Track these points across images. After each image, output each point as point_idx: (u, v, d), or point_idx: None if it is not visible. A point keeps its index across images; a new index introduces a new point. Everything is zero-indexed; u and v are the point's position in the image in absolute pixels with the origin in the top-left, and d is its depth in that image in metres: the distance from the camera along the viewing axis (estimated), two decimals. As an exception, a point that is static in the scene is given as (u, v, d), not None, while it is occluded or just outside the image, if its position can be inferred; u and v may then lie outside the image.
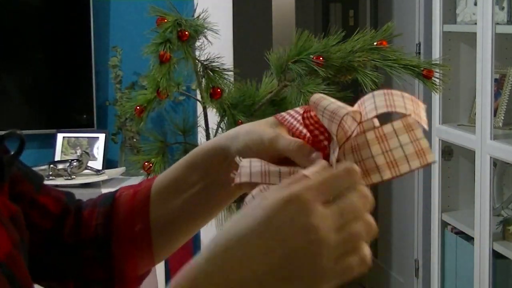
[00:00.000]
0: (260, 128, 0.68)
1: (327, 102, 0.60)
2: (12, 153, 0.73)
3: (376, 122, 0.60)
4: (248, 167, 0.64)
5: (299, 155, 0.64)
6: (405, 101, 0.60)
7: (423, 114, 0.61)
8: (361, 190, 0.57)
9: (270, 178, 0.63)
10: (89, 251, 0.81)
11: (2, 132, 0.73)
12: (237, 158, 0.65)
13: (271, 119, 0.70)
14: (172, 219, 0.79)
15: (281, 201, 0.55)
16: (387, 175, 0.58)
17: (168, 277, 2.83)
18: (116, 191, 0.85)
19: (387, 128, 0.59)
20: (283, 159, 0.65)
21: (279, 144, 0.65)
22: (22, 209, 0.74)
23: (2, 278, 0.64)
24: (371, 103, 0.60)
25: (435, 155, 0.64)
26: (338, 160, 0.59)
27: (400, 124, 0.59)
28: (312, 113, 0.63)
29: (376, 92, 0.61)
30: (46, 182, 0.85)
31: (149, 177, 1.73)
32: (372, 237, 0.57)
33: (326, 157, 0.62)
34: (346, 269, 0.55)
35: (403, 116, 0.59)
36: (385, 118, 0.62)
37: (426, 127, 0.60)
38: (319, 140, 0.62)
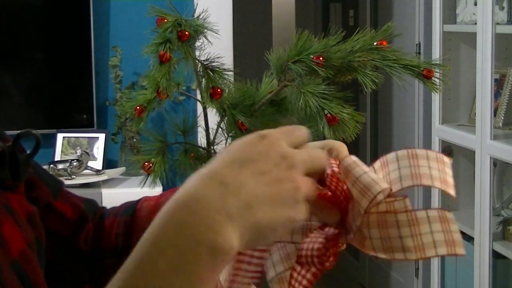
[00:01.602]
0: None
1: (360, 172, 0.60)
2: (28, 152, 0.73)
3: (408, 202, 0.60)
4: None
5: (316, 207, 0.63)
6: (430, 164, 0.60)
7: (449, 176, 0.61)
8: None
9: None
10: (109, 259, 0.81)
11: (8, 132, 0.73)
12: None
13: None
14: None
15: (253, 137, 0.58)
16: (412, 256, 0.58)
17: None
18: (139, 200, 0.85)
19: (421, 214, 0.59)
20: None
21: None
22: (39, 213, 0.74)
23: (13, 277, 0.64)
24: (395, 170, 0.60)
25: (465, 250, 0.64)
26: (359, 228, 0.60)
27: (435, 214, 0.59)
28: (336, 171, 0.62)
29: (399, 153, 0.61)
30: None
31: (149, 177, 1.73)
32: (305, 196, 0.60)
33: (343, 219, 0.62)
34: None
35: (440, 208, 0.60)
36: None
37: (453, 193, 0.60)
38: (340, 201, 0.62)
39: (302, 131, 0.60)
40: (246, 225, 0.54)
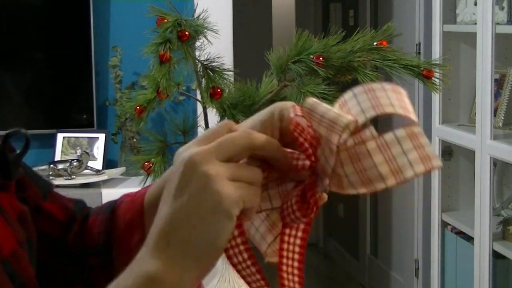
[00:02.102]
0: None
1: (323, 109, 0.59)
2: (18, 151, 0.73)
3: (373, 130, 0.59)
4: None
5: (285, 168, 0.62)
6: (388, 95, 0.59)
7: (408, 104, 0.60)
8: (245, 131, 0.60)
9: (261, 205, 0.64)
10: (93, 258, 0.82)
11: (4, 132, 0.73)
12: None
13: (246, 123, 0.67)
14: None
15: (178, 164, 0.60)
16: (391, 182, 0.57)
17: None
18: (119, 198, 0.85)
19: (389, 136, 0.58)
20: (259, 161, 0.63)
21: (254, 139, 0.61)
22: None
23: (3, 276, 0.64)
24: (355, 105, 0.59)
25: (440, 161, 0.63)
26: (334, 170, 0.59)
27: (403, 133, 0.58)
28: (300, 120, 0.61)
29: (356, 90, 0.60)
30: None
31: (150, 177, 1.73)
32: (257, 178, 0.60)
33: (312, 166, 0.61)
34: (241, 196, 0.58)
35: (405, 125, 0.58)
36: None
37: (415, 118, 0.59)
38: (305, 148, 0.61)
39: (232, 140, 0.59)
40: (170, 251, 0.57)
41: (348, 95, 0.60)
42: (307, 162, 0.61)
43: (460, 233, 2.92)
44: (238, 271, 0.61)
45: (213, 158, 0.58)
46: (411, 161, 0.57)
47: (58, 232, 0.82)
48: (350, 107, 0.59)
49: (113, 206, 0.84)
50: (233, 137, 0.59)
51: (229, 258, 0.60)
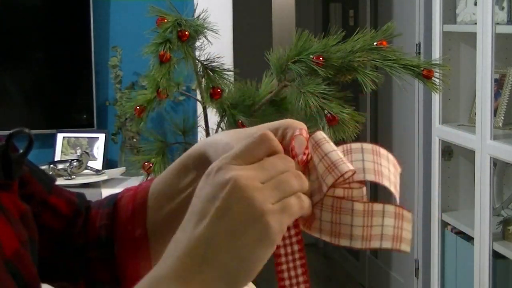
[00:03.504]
0: (236, 143, 0.66)
1: (329, 148, 0.59)
2: (21, 151, 0.73)
3: (365, 191, 0.60)
4: None
5: None
6: (390, 168, 0.60)
7: (398, 182, 0.61)
8: (282, 156, 0.59)
9: None
10: (94, 251, 0.82)
11: (7, 132, 0.73)
12: None
13: (253, 130, 0.68)
14: (167, 223, 0.79)
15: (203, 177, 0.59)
16: (357, 244, 0.58)
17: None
18: (120, 192, 0.86)
19: (378, 206, 0.59)
20: None
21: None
22: (33, 210, 0.75)
23: (8, 276, 0.64)
24: (359, 160, 0.60)
25: (409, 248, 0.65)
26: (312, 209, 0.59)
27: (392, 209, 0.59)
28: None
29: (365, 146, 0.61)
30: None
31: (150, 177, 1.73)
32: (304, 188, 0.58)
33: None
34: (285, 207, 0.57)
35: (398, 205, 0.59)
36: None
37: (397, 197, 0.60)
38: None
39: (258, 145, 0.59)
40: (206, 274, 0.55)
41: (355, 145, 0.61)
42: None
43: (460, 233, 2.92)
44: (278, 264, 0.59)
45: (258, 183, 0.56)
46: (383, 235, 0.59)
47: (63, 226, 0.82)
48: (353, 159, 0.60)
49: (115, 199, 0.84)
50: (287, 177, 0.58)
51: (276, 248, 0.59)
